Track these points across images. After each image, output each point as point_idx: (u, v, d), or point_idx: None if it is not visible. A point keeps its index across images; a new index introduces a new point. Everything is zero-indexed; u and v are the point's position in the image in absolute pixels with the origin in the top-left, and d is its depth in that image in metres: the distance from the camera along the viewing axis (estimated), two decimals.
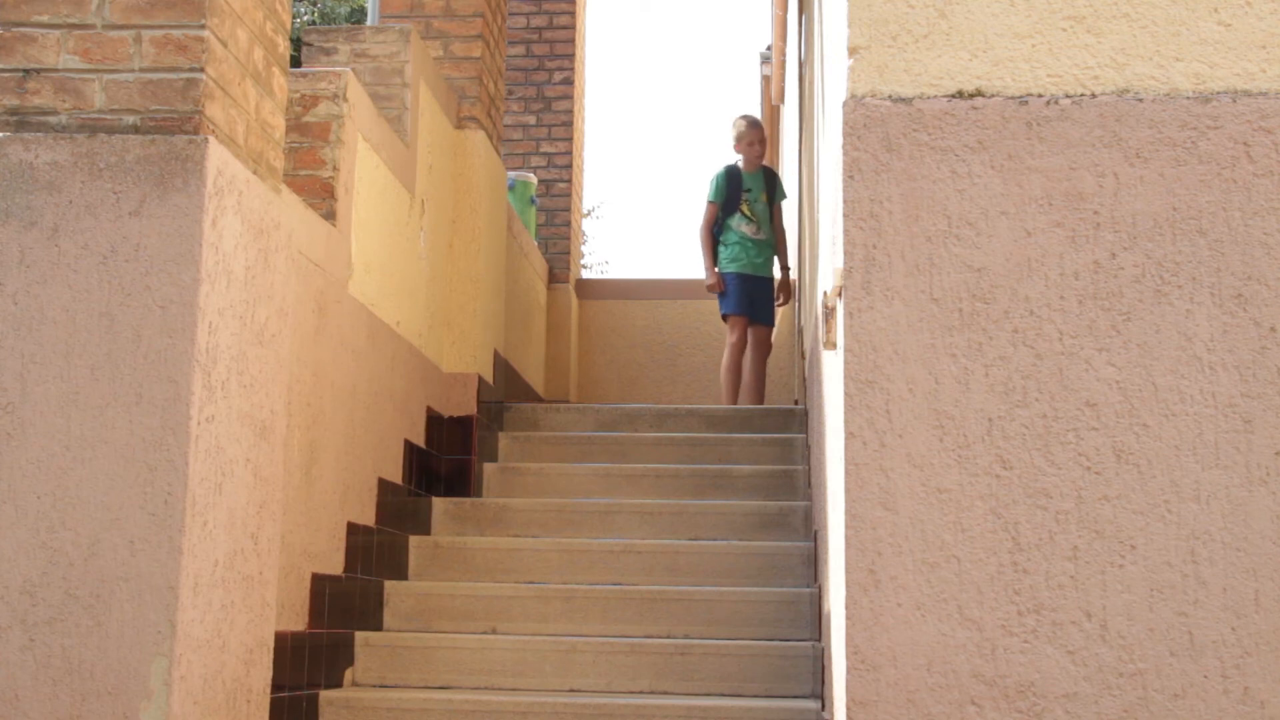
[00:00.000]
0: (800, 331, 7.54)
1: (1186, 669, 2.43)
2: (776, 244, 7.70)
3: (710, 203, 7.70)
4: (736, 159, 7.74)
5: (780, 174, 7.66)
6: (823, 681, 4.05)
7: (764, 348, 7.64)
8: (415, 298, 5.38)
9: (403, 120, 5.19)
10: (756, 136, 7.72)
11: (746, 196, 7.63)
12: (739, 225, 7.59)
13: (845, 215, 2.58)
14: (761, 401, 7.45)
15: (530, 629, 4.68)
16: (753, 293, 7.58)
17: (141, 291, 3.05)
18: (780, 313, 8.98)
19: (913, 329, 2.53)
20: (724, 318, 7.63)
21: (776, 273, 7.79)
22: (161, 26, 3.15)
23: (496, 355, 6.38)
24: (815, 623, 4.64)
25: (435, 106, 5.63)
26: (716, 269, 7.60)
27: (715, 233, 7.67)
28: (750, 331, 7.57)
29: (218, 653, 3.17)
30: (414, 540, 5.20)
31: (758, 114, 12.55)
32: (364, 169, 4.67)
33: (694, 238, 8.00)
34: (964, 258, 2.55)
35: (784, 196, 7.67)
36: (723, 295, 7.57)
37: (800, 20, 7.98)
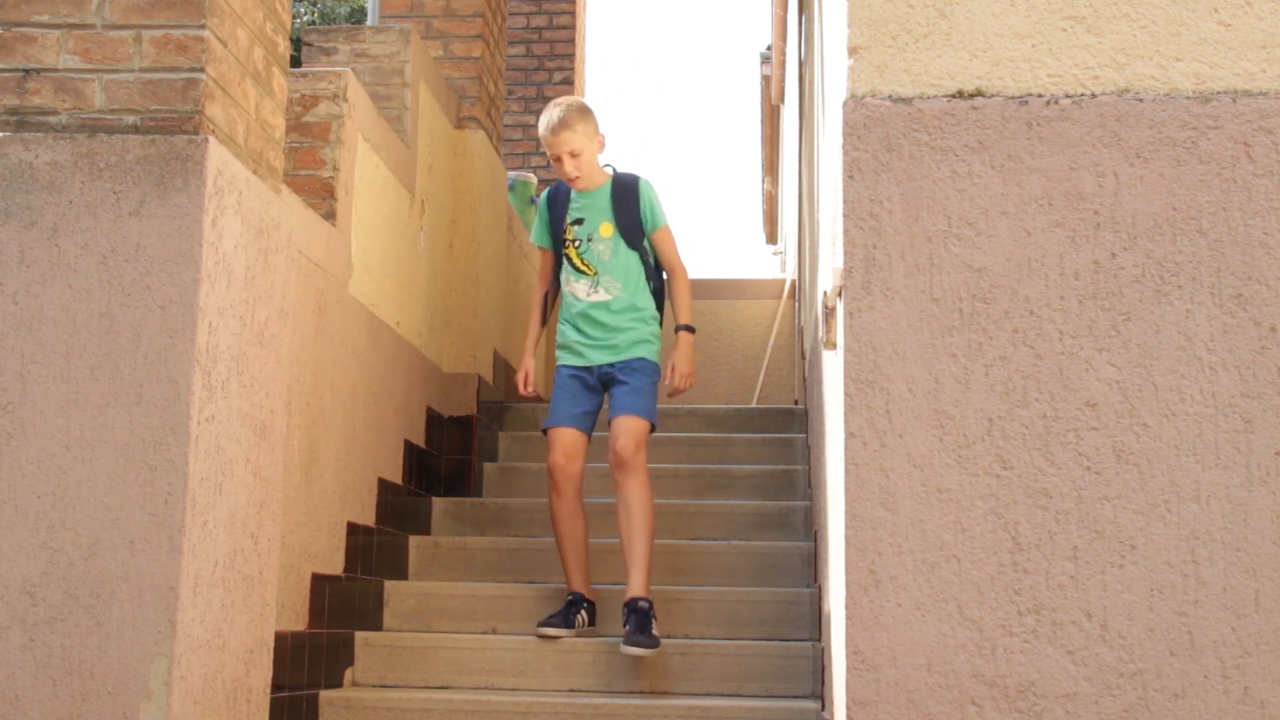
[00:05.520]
0: (800, 331, 7.54)
1: (1186, 669, 2.43)
2: (670, 291, 4.73)
3: (537, 248, 4.93)
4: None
5: (648, 189, 4.72)
6: (823, 681, 4.05)
7: (627, 461, 4.49)
8: (415, 298, 5.38)
9: (403, 120, 5.20)
10: (563, 145, 4.60)
11: (573, 231, 4.70)
12: (566, 283, 4.69)
13: (845, 215, 2.58)
14: (647, 559, 4.48)
15: (530, 629, 4.67)
16: (583, 390, 4.65)
17: (141, 291, 3.05)
18: (780, 311, 8.96)
19: (913, 329, 2.53)
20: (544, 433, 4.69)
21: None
22: (161, 26, 3.15)
23: (496, 355, 6.38)
24: (815, 623, 4.64)
25: (435, 106, 5.63)
26: (543, 362, 5.01)
27: (554, 292, 4.85)
28: (610, 430, 4.57)
29: (218, 653, 3.17)
30: (414, 540, 5.20)
31: (758, 113, 11.92)
32: (364, 169, 4.67)
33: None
34: (964, 258, 2.55)
35: (659, 223, 4.68)
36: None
37: (800, 20, 7.99)
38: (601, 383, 4.66)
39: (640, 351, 4.63)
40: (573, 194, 4.71)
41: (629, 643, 4.29)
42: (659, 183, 4.82)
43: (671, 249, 4.73)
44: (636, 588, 4.41)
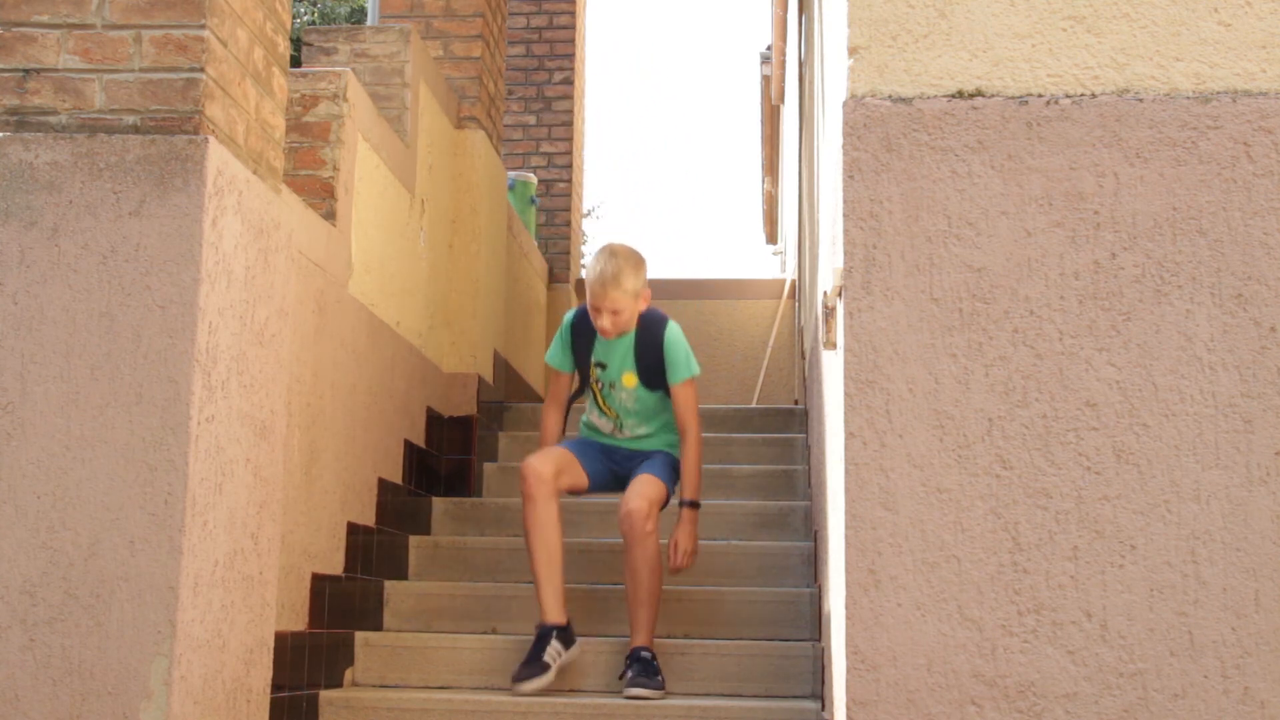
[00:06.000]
0: (800, 331, 7.54)
1: (1186, 669, 2.43)
2: (680, 456, 4.49)
3: (549, 368, 4.71)
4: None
5: (674, 340, 4.48)
6: (823, 681, 4.05)
7: (637, 528, 4.28)
8: (415, 298, 5.38)
9: (403, 120, 5.19)
10: (608, 302, 4.35)
11: (596, 372, 4.57)
12: (589, 411, 4.67)
13: (845, 215, 2.58)
14: (652, 618, 4.33)
15: (530, 629, 4.67)
16: (599, 449, 4.63)
17: (141, 291, 3.05)
18: (780, 311, 8.97)
19: (913, 329, 2.53)
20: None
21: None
22: (161, 26, 3.15)
23: (496, 355, 6.38)
24: (815, 623, 4.64)
25: (435, 106, 5.63)
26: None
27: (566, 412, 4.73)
28: (626, 490, 4.42)
29: (218, 653, 3.17)
30: (414, 540, 5.20)
31: (758, 113, 11.87)
32: (364, 169, 4.67)
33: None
34: (964, 258, 2.55)
35: (689, 373, 4.46)
36: None
37: (800, 20, 7.99)
38: (618, 465, 4.57)
39: (666, 450, 4.57)
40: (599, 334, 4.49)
41: (633, 684, 4.16)
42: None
43: (688, 407, 4.46)
44: (640, 640, 4.32)
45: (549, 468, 4.37)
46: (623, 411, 4.56)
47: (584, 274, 4.39)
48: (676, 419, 4.50)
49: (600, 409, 4.59)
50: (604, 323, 4.38)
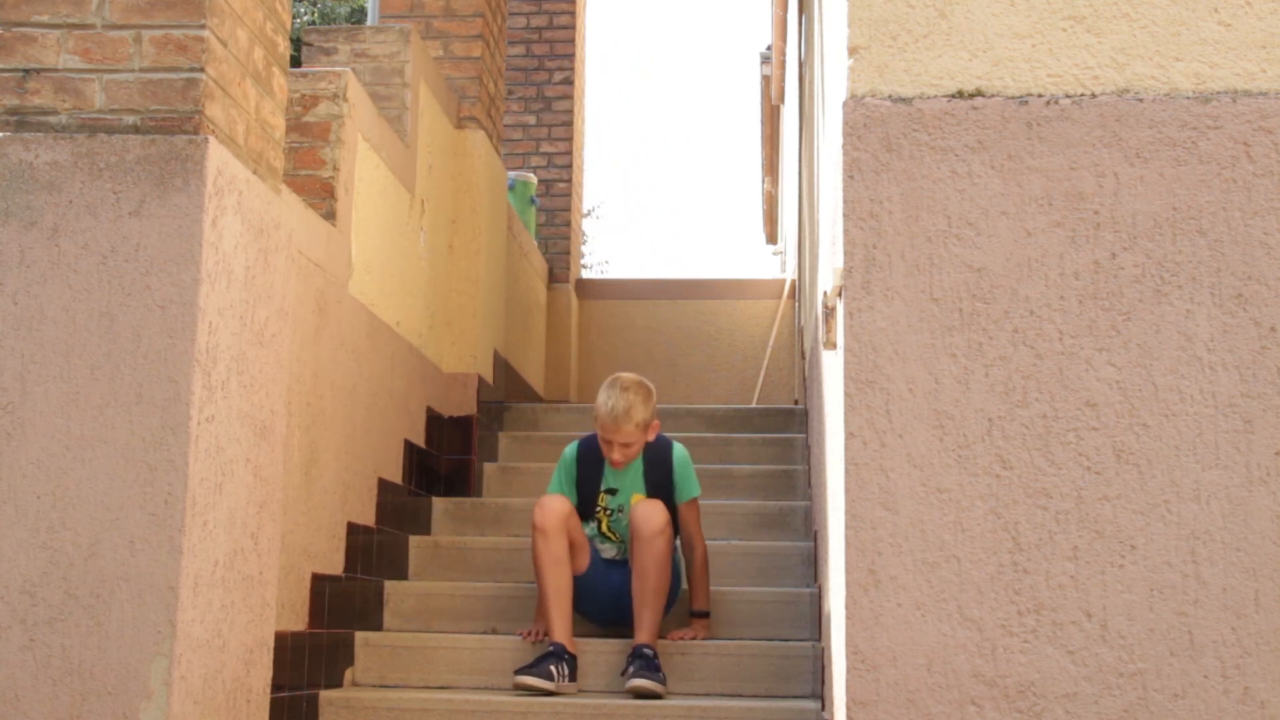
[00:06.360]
0: (800, 331, 7.54)
1: (1186, 669, 2.43)
2: (687, 568, 4.59)
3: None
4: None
5: (682, 463, 4.62)
6: (823, 681, 4.05)
7: (647, 533, 4.37)
8: (415, 298, 5.38)
9: (403, 120, 5.19)
10: (619, 434, 4.47)
11: (605, 502, 4.62)
12: (592, 541, 4.64)
13: (845, 215, 2.58)
14: (658, 615, 4.42)
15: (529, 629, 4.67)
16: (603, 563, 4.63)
17: (141, 291, 3.05)
18: (780, 311, 8.97)
19: (913, 329, 2.53)
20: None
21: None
22: (161, 26, 3.15)
23: (496, 355, 6.38)
24: (815, 623, 4.64)
25: (435, 106, 5.63)
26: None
27: None
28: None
29: (218, 653, 3.17)
30: (414, 540, 5.20)
31: (758, 113, 11.84)
32: (364, 169, 4.67)
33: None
34: (964, 258, 2.55)
35: (695, 492, 4.60)
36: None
37: (800, 20, 7.98)
38: (616, 577, 4.58)
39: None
40: (608, 462, 4.59)
41: (635, 677, 4.19)
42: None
43: (695, 523, 4.59)
44: (643, 637, 4.35)
45: (565, 505, 4.48)
46: (627, 536, 4.56)
47: (597, 407, 4.52)
48: (683, 534, 4.59)
49: (605, 535, 4.63)
50: (615, 455, 4.52)
